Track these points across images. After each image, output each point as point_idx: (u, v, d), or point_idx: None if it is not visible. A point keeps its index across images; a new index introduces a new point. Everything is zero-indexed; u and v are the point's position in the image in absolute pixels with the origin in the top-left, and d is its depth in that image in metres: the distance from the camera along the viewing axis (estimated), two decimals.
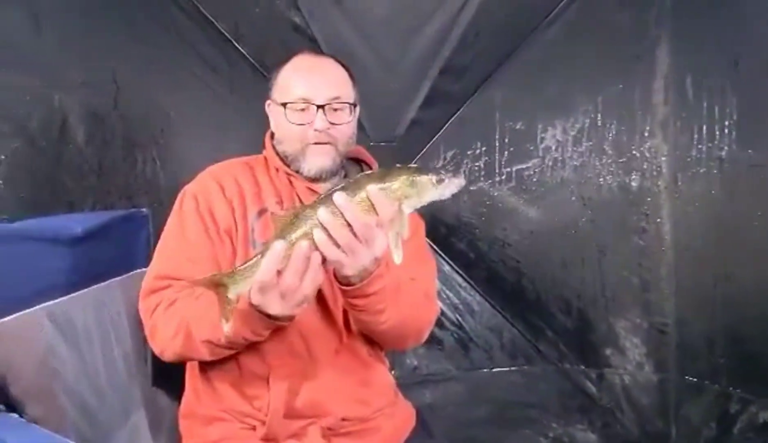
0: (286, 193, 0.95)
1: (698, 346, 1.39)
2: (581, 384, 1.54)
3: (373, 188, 0.71)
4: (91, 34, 1.22)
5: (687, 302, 1.41)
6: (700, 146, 1.36)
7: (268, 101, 0.99)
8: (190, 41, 1.35)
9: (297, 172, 0.95)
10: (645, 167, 1.45)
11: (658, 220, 1.44)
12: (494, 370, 1.59)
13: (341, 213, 0.69)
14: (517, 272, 1.55)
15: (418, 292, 0.92)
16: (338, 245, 0.70)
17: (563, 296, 1.52)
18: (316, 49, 1.06)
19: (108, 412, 0.93)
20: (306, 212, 0.70)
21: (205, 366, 0.94)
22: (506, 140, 1.53)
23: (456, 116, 1.55)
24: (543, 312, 1.55)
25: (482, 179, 1.55)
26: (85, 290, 0.93)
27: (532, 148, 1.51)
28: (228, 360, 0.91)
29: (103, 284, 0.98)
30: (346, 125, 0.95)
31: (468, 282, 1.60)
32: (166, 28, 1.32)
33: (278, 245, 0.68)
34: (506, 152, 1.53)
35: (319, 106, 0.91)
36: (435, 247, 1.53)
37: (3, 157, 1.08)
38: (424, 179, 0.73)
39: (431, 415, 1.21)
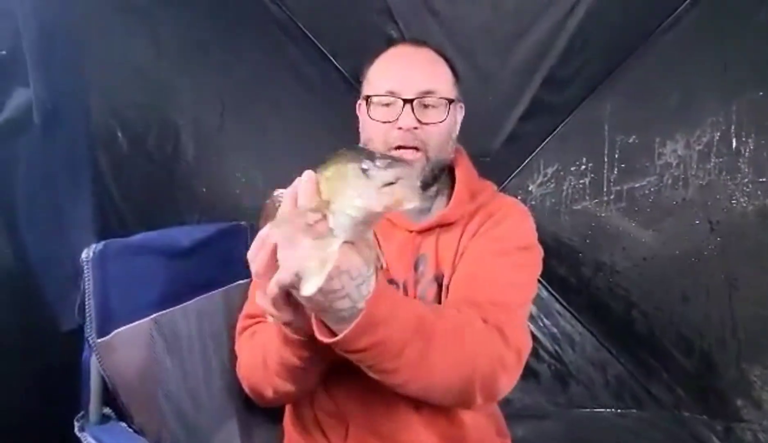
0: None
1: None
2: (703, 437, 1.34)
3: (307, 174, 0.53)
4: (202, 56, 1.30)
5: None
6: None
7: (358, 101, 0.88)
8: (290, 60, 1.39)
9: None
10: None
11: None
12: (596, 410, 1.43)
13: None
14: (626, 303, 1.39)
15: (479, 335, 0.69)
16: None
17: (682, 333, 1.34)
18: (417, 39, 0.95)
19: (204, 421, 0.96)
20: None
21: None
22: (616, 156, 1.38)
23: (559, 129, 1.43)
24: (657, 350, 1.37)
25: (587, 197, 1.41)
26: (190, 301, 0.98)
27: (647, 164, 1.35)
28: (306, 407, 0.89)
29: (206, 295, 1.02)
30: (438, 125, 0.80)
31: (568, 310, 1.46)
32: (268, 48, 1.37)
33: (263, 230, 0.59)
34: (616, 169, 1.38)
35: (406, 101, 0.78)
36: None
37: (126, 173, 1.18)
38: (347, 167, 0.48)
39: None
